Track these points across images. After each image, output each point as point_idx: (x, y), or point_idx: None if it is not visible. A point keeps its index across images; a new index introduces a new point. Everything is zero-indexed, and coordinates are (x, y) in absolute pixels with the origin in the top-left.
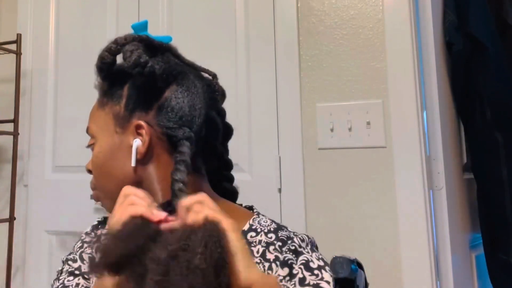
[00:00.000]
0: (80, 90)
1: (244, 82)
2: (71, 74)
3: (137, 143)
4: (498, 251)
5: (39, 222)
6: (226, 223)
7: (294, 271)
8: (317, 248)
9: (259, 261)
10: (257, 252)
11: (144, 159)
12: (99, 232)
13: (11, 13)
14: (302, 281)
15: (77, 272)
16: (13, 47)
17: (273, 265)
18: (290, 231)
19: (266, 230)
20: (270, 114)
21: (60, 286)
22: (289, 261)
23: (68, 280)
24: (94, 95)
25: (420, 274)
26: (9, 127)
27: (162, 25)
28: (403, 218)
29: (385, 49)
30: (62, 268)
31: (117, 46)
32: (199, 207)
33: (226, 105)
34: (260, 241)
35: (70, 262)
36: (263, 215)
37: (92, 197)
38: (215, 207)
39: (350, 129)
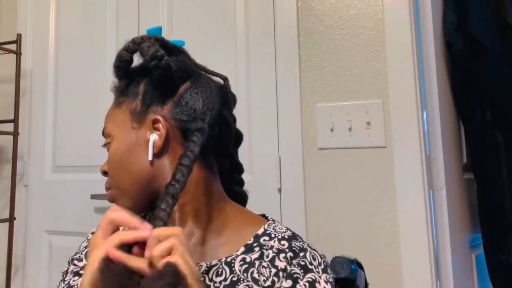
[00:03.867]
0: (80, 90)
1: (244, 82)
2: (71, 74)
3: (154, 137)
4: (498, 251)
5: (39, 222)
6: (190, 271)
7: (298, 287)
8: (329, 269)
9: (266, 265)
10: (267, 256)
11: (160, 152)
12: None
13: (11, 13)
14: None
15: (82, 272)
16: (13, 47)
17: (280, 273)
18: (304, 242)
19: (280, 237)
20: (270, 114)
21: (65, 287)
22: (295, 275)
23: (73, 280)
24: (94, 95)
25: (420, 274)
26: (9, 127)
27: (162, 25)
28: (403, 218)
29: (385, 49)
30: (68, 269)
31: (134, 44)
32: (169, 246)
33: None
34: (272, 247)
35: (75, 262)
36: (278, 222)
37: (107, 197)
38: (185, 249)
39: (350, 129)
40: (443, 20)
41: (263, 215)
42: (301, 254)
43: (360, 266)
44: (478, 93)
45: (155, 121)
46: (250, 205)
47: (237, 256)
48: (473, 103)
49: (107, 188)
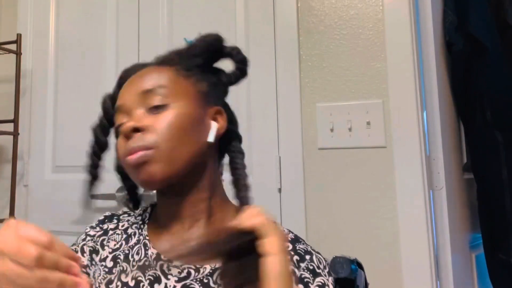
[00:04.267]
0: (80, 90)
1: (244, 82)
2: (71, 74)
3: (216, 125)
4: (498, 251)
5: (39, 222)
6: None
7: None
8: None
9: None
10: None
11: (213, 143)
12: (104, 226)
13: (11, 13)
14: None
15: None
16: (13, 47)
17: None
18: (307, 245)
19: (289, 239)
20: (270, 114)
21: None
22: (305, 279)
23: None
24: (94, 95)
25: (420, 274)
26: (9, 127)
27: (162, 25)
28: (403, 218)
29: (385, 49)
30: None
31: (226, 45)
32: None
33: None
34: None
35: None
36: (278, 223)
37: (136, 158)
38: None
39: (350, 129)
40: (443, 20)
41: None
42: (307, 257)
43: (360, 266)
44: (478, 93)
45: (219, 112)
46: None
47: None
48: (473, 103)
49: (141, 148)
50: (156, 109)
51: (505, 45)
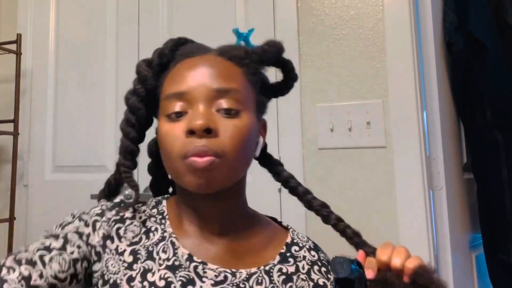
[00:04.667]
0: (80, 90)
1: None
2: (71, 74)
3: (262, 140)
4: (498, 251)
5: (39, 222)
6: None
7: None
8: None
9: (304, 278)
10: (303, 268)
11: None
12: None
13: (11, 13)
14: None
15: (84, 238)
16: (13, 47)
17: None
18: (325, 253)
19: (307, 247)
20: (270, 114)
21: (63, 235)
22: None
23: (72, 237)
24: (94, 95)
25: None
26: (9, 127)
27: (162, 25)
28: (403, 218)
29: (385, 49)
30: (73, 221)
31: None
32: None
33: None
34: (304, 257)
35: (82, 223)
36: (292, 228)
37: (204, 162)
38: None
39: (350, 129)
40: (443, 20)
41: (272, 218)
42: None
43: (360, 266)
44: (478, 93)
45: (264, 126)
46: (251, 205)
47: (274, 265)
48: (473, 103)
49: (212, 153)
50: (227, 112)
51: (505, 45)
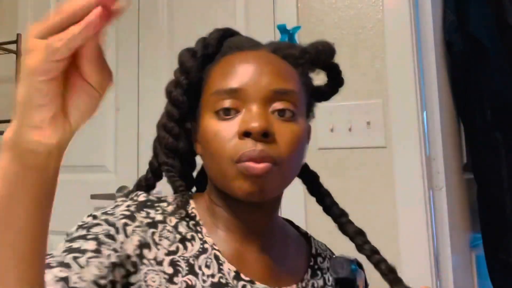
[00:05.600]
0: None
1: None
2: None
3: (307, 145)
4: (498, 251)
5: None
6: None
7: None
8: None
9: (331, 286)
10: (328, 280)
11: None
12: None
13: (11, 13)
14: None
15: (118, 244)
16: (13, 47)
17: None
18: None
19: (328, 256)
20: None
21: (92, 237)
22: None
23: (105, 239)
24: None
25: (420, 274)
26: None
27: (162, 24)
28: (403, 218)
29: (385, 49)
30: (98, 223)
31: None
32: None
33: None
34: (328, 268)
35: (112, 228)
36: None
37: (261, 168)
38: None
39: (350, 129)
40: (443, 20)
41: (287, 220)
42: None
43: (360, 266)
44: (478, 93)
45: (309, 131)
46: None
47: (308, 280)
48: (473, 103)
49: (270, 159)
50: (283, 115)
51: (505, 45)
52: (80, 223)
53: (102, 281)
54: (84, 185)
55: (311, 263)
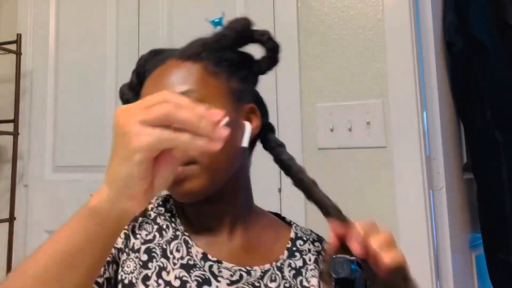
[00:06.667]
0: (80, 90)
1: None
2: (71, 74)
3: (249, 125)
4: (498, 251)
5: (39, 222)
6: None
7: None
8: None
9: (313, 267)
10: (309, 259)
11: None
12: None
13: (11, 13)
14: None
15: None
16: (13, 47)
17: None
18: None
19: (311, 239)
20: (270, 114)
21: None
22: None
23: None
24: (94, 95)
25: (420, 274)
26: (9, 127)
27: (162, 25)
28: (403, 218)
29: (385, 49)
30: None
31: (256, 31)
32: (391, 246)
33: None
34: (309, 250)
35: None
36: (293, 221)
37: (178, 174)
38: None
39: (350, 129)
40: (443, 20)
41: (275, 214)
42: None
43: (360, 266)
44: (478, 93)
45: (252, 110)
46: None
47: (284, 260)
48: (473, 103)
49: (188, 162)
50: None
51: (505, 45)
52: None
53: (100, 279)
54: (84, 185)
55: (289, 245)
